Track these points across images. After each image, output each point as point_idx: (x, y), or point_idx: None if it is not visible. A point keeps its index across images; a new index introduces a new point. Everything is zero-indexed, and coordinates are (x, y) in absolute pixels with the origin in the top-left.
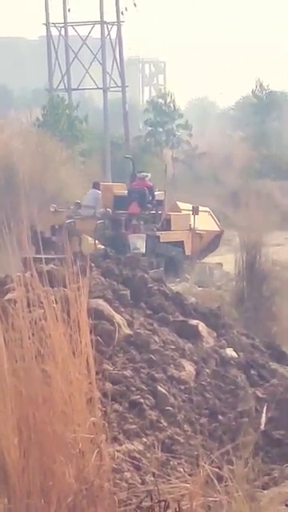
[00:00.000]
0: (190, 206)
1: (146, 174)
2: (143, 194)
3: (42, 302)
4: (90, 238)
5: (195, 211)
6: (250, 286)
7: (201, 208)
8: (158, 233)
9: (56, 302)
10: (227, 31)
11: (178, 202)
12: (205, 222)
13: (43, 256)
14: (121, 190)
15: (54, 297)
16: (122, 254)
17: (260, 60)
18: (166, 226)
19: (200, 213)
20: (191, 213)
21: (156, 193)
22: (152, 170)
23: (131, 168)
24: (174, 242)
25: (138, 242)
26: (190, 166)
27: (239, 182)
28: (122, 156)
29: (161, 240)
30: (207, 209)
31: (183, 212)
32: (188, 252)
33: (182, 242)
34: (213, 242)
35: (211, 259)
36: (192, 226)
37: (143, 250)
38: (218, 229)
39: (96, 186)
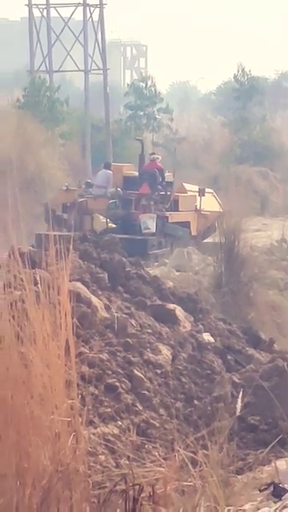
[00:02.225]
0: (195, 188)
1: (156, 155)
2: (154, 175)
3: (21, 284)
4: (101, 217)
5: (201, 193)
6: (228, 271)
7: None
8: (166, 213)
9: (36, 284)
10: (210, 15)
11: (184, 184)
12: (209, 203)
13: (55, 233)
14: (130, 170)
15: (35, 278)
16: (133, 233)
17: (242, 45)
18: (174, 206)
19: (205, 194)
20: (197, 194)
21: (166, 174)
22: (131, 152)
23: (140, 150)
24: (180, 223)
25: (149, 222)
26: (170, 150)
27: (219, 167)
28: (102, 139)
29: (169, 220)
30: (211, 190)
31: (189, 193)
32: (194, 232)
33: (189, 222)
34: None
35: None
36: (198, 207)
37: (154, 230)
38: (221, 210)
39: (107, 166)
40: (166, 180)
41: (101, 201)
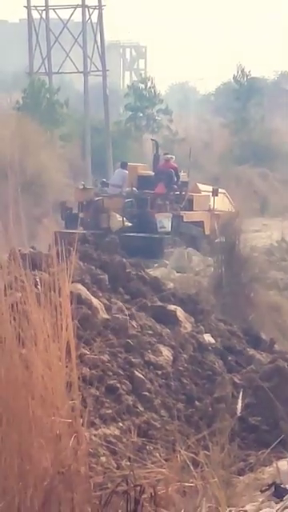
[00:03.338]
0: (209, 188)
1: (171, 155)
2: (170, 175)
3: (22, 286)
4: (117, 216)
5: (215, 193)
6: (229, 271)
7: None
8: (181, 212)
9: (37, 286)
10: (209, 16)
11: (198, 184)
12: (222, 204)
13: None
14: (144, 170)
15: (36, 280)
16: (149, 231)
17: (241, 46)
18: (189, 206)
19: (218, 194)
20: (211, 194)
21: (181, 174)
22: (131, 154)
23: (155, 150)
24: (195, 222)
25: (165, 221)
26: (170, 151)
27: (219, 168)
28: (101, 140)
29: (184, 219)
30: (224, 191)
31: (203, 193)
32: (207, 232)
33: (202, 221)
34: (228, 223)
35: None
36: (211, 207)
37: (169, 229)
38: (233, 210)
39: (124, 166)
40: (180, 180)
41: (117, 200)
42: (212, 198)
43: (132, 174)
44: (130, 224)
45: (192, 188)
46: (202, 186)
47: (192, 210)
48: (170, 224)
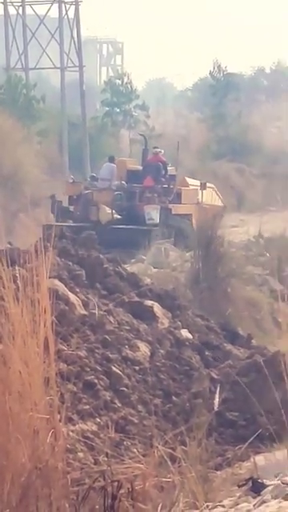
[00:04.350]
0: (197, 182)
1: (159, 149)
2: (158, 168)
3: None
4: (107, 208)
5: (203, 187)
6: (206, 267)
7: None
8: (170, 205)
9: (15, 281)
10: (184, 12)
11: (186, 178)
12: (210, 197)
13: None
14: (133, 164)
15: (14, 276)
16: (137, 224)
17: (218, 41)
18: (177, 199)
19: (206, 188)
20: (199, 188)
21: (169, 168)
22: (108, 149)
23: (144, 144)
24: (183, 215)
25: (153, 213)
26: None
27: (196, 163)
28: (78, 136)
29: (172, 212)
30: (212, 185)
31: (191, 187)
32: (195, 225)
33: (191, 214)
34: (216, 216)
35: None
36: (199, 201)
37: (157, 221)
38: (221, 203)
39: (111, 159)
40: (169, 173)
41: (106, 193)
42: (200, 192)
43: (121, 168)
44: (119, 216)
45: (180, 181)
46: (190, 180)
47: (180, 203)
48: (159, 216)
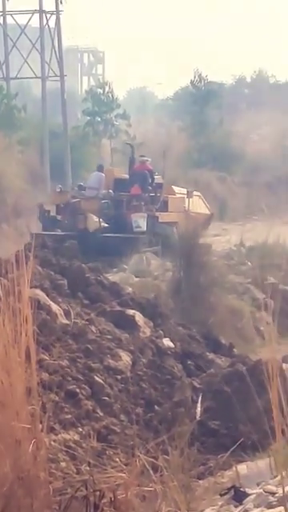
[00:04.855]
0: (183, 190)
1: (146, 158)
2: (145, 176)
3: None
4: (94, 217)
5: (190, 195)
6: (187, 276)
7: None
8: (156, 213)
9: None
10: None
11: (173, 186)
12: (197, 205)
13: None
14: (120, 173)
15: None
16: (125, 232)
17: (199, 50)
18: (164, 207)
19: (193, 196)
20: (186, 196)
21: (155, 176)
22: (90, 159)
23: (131, 153)
24: (169, 223)
25: (140, 221)
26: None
27: (177, 172)
28: (60, 145)
29: (159, 220)
30: (199, 193)
31: (178, 195)
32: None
33: (177, 222)
34: (204, 224)
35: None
36: (186, 209)
37: (144, 229)
38: (208, 212)
39: (100, 168)
40: (155, 182)
41: (93, 202)
42: (187, 200)
43: (108, 177)
44: (106, 225)
45: (167, 190)
46: (176, 188)
47: (167, 211)
48: (146, 224)
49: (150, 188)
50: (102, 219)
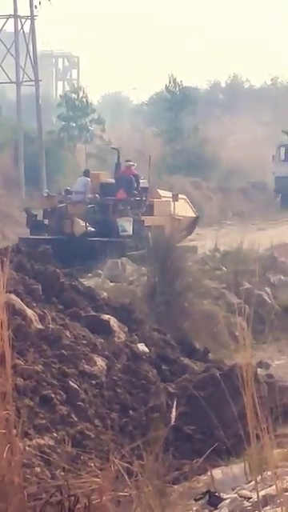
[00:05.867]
0: (169, 194)
1: (132, 163)
2: (130, 181)
3: None
4: (81, 221)
5: (175, 198)
6: (162, 281)
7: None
8: (142, 217)
9: None
10: (140, 27)
11: (158, 190)
12: (183, 208)
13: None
14: (106, 178)
15: None
16: (111, 236)
17: (173, 55)
18: (149, 211)
19: (178, 200)
20: (171, 199)
21: (141, 180)
22: (64, 164)
23: (116, 158)
24: (156, 227)
25: (126, 225)
26: (104, 160)
27: (152, 178)
28: (34, 150)
29: (145, 224)
30: (184, 196)
31: (163, 199)
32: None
33: (163, 226)
34: (190, 227)
35: None
36: (172, 212)
37: (131, 233)
38: (194, 215)
39: (86, 173)
40: (141, 186)
41: (80, 206)
42: (172, 204)
43: (94, 181)
44: (92, 229)
45: (152, 193)
46: (162, 192)
47: (153, 215)
48: (132, 228)
49: (135, 192)
50: (89, 223)
